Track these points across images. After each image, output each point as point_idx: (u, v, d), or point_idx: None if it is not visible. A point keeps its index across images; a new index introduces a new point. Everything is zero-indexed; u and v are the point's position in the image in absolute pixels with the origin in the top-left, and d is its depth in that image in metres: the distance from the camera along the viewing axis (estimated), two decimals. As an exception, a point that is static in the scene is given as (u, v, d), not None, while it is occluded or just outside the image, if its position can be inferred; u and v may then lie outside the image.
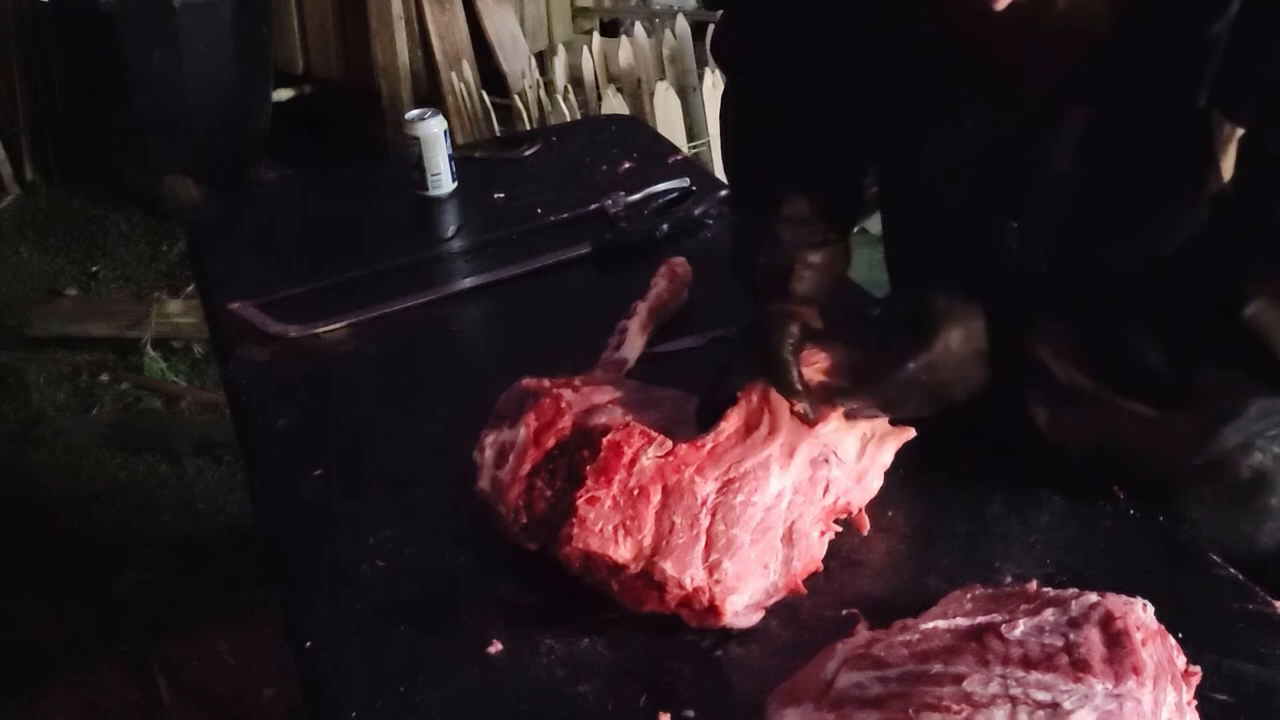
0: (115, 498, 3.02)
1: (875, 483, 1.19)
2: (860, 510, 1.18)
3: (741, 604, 1.07)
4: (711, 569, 1.06)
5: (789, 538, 1.10)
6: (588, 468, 1.10)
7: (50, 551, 2.85)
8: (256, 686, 2.37)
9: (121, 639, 2.54)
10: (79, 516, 2.96)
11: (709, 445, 1.11)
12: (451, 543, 1.21)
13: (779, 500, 1.10)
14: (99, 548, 2.83)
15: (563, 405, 1.16)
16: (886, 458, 1.19)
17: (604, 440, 1.11)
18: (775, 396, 1.15)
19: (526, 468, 1.14)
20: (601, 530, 1.07)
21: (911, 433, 1.19)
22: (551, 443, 1.14)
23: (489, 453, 1.18)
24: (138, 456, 3.18)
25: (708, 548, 1.07)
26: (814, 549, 1.12)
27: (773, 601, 1.09)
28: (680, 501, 1.08)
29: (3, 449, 3.30)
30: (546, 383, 1.21)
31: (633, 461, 1.09)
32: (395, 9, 4.39)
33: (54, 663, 2.49)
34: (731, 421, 1.14)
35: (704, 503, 1.08)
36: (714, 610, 1.06)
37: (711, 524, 1.07)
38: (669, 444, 1.11)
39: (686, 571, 1.05)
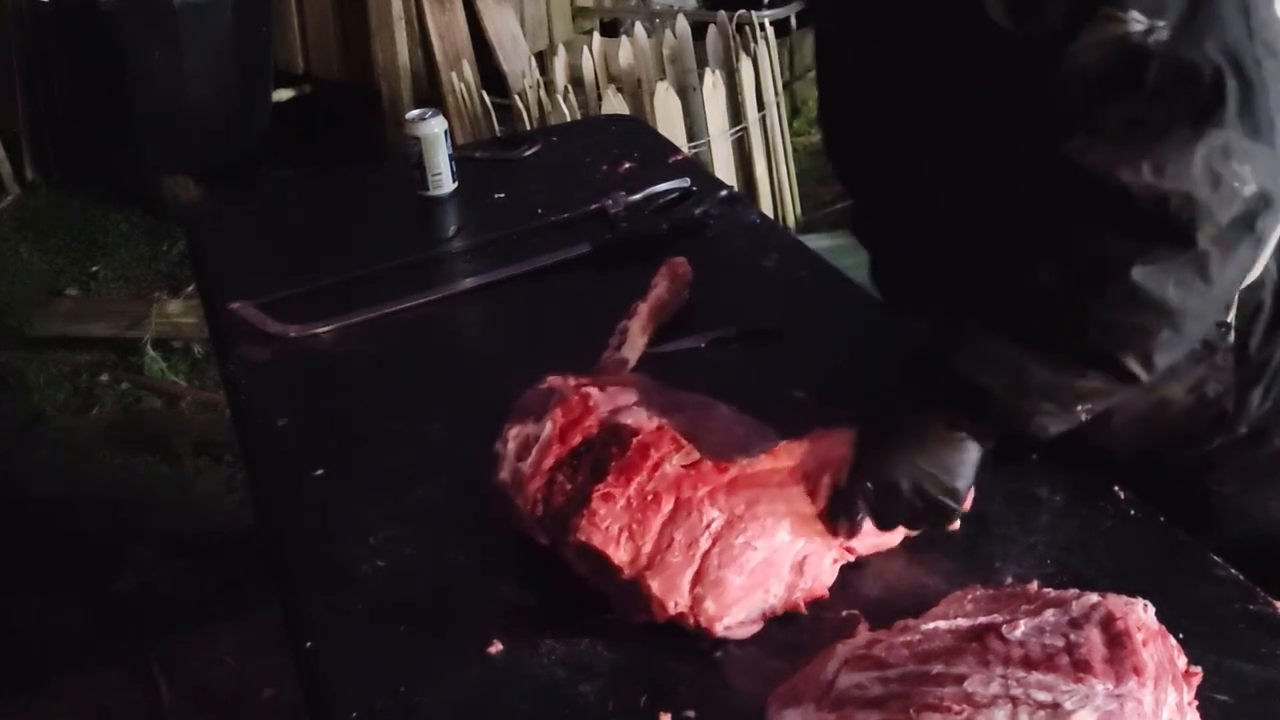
0: (115, 498, 3.02)
1: (895, 537, 1.16)
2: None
3: (735, 621, 1.07)
4: (696, 600, 1.05)
5: (800, 568, 1.09)
6: (613, 463, 1.09)
7: (50, 551, 2.84)
8: (256, 686, 2.37)
9: (121, 639, 2.53)
10: (79, 516, 2.95)
11: (733, 473, 1.10)
12: (451, 543, 1.21)
13: (790, 545, 1.09)
14: (99, 548, 2.82)
15: (590, 404, 1.16)
16: None
17: (634, 440, 1.10)
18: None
19: (549, 462, 1.13)
20: (607, 528, 1.07)
21: None
22: (578, 439, 1.13)
23: (512, 445, 1.17)
24: (138, 456, 3.17)
25: (697, 577, 1.06)
26: (824, 576, 1.11)
27: (768, 618, 1.09)
28: (686, 519, 1.07)
29: (3, 449, 3.29)
30: (572, 381, 1.21)
31: (656, 466, 1.09)
32: (395, 9, 4.39)
33: (54, 663, 2.49)
34: (768, 460, 1.11)
35: (707, 526, 1.07)
36: (703, 629, 1.06)
37: (709, 552, 1.07)
38: (695, 455, 1.10)
39: (671, 596, 1.05)
